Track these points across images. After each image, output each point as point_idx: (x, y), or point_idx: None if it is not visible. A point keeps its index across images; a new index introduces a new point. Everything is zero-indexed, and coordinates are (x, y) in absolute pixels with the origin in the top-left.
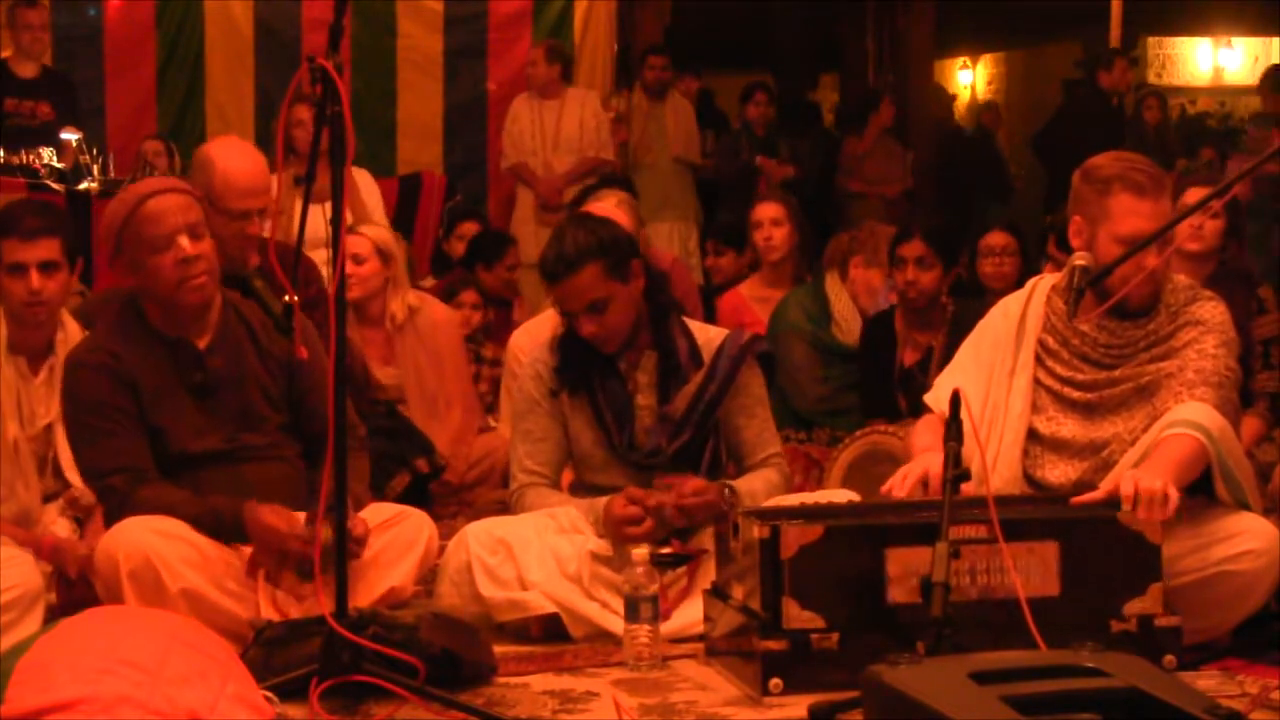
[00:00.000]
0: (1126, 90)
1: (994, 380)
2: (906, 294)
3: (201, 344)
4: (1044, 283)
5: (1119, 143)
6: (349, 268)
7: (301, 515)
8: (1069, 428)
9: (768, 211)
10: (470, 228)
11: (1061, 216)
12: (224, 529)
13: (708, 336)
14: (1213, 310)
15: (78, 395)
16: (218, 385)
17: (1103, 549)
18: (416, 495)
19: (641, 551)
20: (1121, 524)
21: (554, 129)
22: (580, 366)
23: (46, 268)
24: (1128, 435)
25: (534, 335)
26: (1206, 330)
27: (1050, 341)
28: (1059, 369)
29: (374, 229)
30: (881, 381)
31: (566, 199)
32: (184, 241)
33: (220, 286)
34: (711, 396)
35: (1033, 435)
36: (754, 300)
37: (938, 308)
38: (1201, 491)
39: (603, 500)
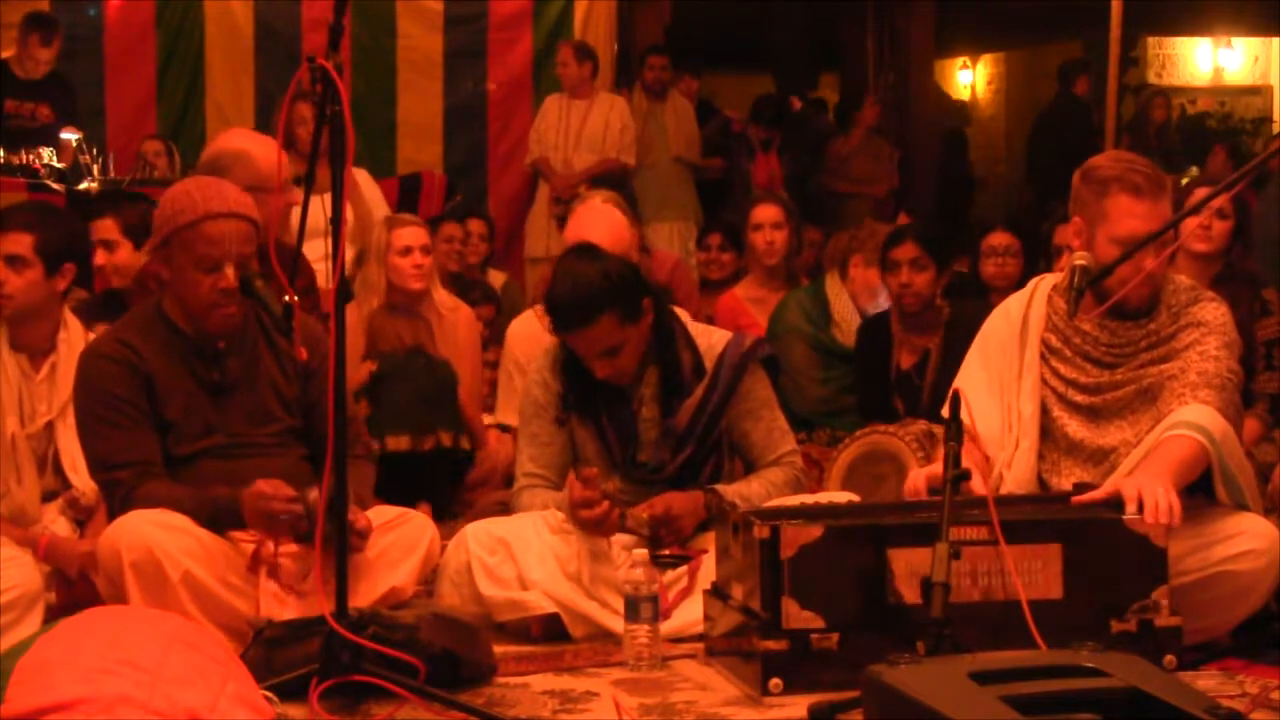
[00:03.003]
0: (1107, 96)
1: (1005, 386)
2: (901, 298)
3: (220, 343)
4: (1045, 283)
5: (1094, 149)
6: (418, 259)
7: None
8: (1074, 429)
9: (768, 214)
10: (477, 225)
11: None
12: (221, 515)
13: (709, 342)
14: (1214, 311)
15: (91, 386)
16: (232, 385)
17: (1108, 552)
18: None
19: (641, 551)
20: (1126, 527)
21: (579, 127)
22: (584, 390)
23: (12, 261)
24: (1135, 440)
25: (531, 328)
26: (1208, 332)
27: (1053, 340)
28: (1063, 369)
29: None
30: (878, 384)
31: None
32: (230, 272)
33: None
34: (714, 408)
35: (1045, 436)
36: (749, 302)
37: (933, 310)
38: (1201, 492)
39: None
